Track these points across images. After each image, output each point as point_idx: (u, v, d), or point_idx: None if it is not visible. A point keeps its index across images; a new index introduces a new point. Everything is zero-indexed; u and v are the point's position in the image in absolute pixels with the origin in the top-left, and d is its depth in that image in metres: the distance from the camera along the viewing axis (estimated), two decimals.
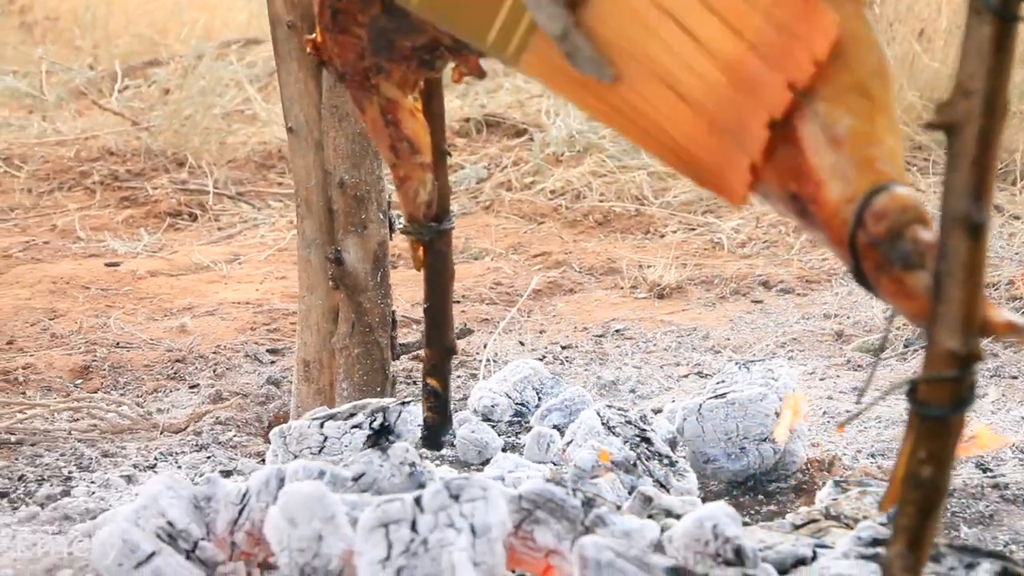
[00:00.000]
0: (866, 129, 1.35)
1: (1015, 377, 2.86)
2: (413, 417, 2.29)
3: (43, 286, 3.80)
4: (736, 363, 2.48)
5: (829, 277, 3.79)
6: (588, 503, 1.70)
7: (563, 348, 3.26)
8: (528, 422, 2.63)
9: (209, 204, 4.88)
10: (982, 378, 2.82)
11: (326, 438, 2.28)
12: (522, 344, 3.31)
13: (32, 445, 2.56)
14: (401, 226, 2.24)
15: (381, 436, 2.30)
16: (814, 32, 1.36)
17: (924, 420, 1.28)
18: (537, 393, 2.71)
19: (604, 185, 4.74)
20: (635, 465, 2.17)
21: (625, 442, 2.21)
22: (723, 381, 2.42)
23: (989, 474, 2.30)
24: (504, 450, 2.48)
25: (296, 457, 2.26)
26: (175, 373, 3.07)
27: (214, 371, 3.07)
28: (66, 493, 2.30)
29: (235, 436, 2.62)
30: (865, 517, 1.86)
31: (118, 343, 3.28)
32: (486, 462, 2.40)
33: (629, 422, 2.27)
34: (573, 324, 3.48)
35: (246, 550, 1.82)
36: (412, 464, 2.02)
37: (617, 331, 3.38)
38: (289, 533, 1.68)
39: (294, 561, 1.68)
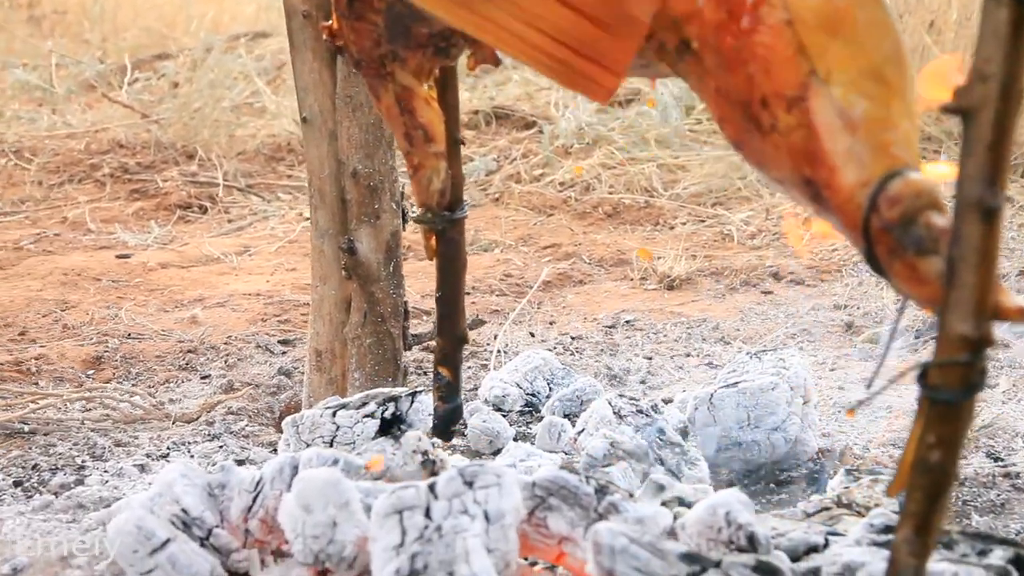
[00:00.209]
0: (881, 114, 1.35)
1: None
2: (424, 406, 2.29)
3: (54, 278, 3.82)
4: (747, 352, 2.49)
5: (839, 268, 3.79)
6: (601, 490, 1.70)
7: (573, 339, 3.26)
8: (539, 412, 2.64)
9: (219, 196, 4.89)
10: (993, 368, 2.83)
11: (338, 427, 2.29)
12: (532, 335, 3.31)
13: (45, 435, 2.57)
14: (414, 215, 2.23)
15: (393, 425, 2.31)
16: None
17: (934, 404, 1.27)
18: (548, 383, 2.71)
19: (613, 177, 4.74)
20: (646, 453, 2.17)
21: (636, 431, 2.22)
22: (734, 370, 2.42)
23: (1000, 463, 2.31)
24: (515, 440, 2.49)
25: (308, 446, 2.26)
26: (187, 364, 3.08)
27: (225, 362, 3.08)
28: (80, 482, 2.31)
29: (247, 426, 2.63)
30: (877, 505, 1.87)
31: (129, 334, 3.28)
32: (498, 451, 2.41)
33: (640, 411, 2.27)
34: (583, 315, 3.48)
35: (260, 537, 1.83)
36: (424, 452, 2.03)
37: (627, 322, 3.39)
38: (304, 520, 1.69)
39: (308, 548, 1.69)
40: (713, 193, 4.60)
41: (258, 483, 1.85)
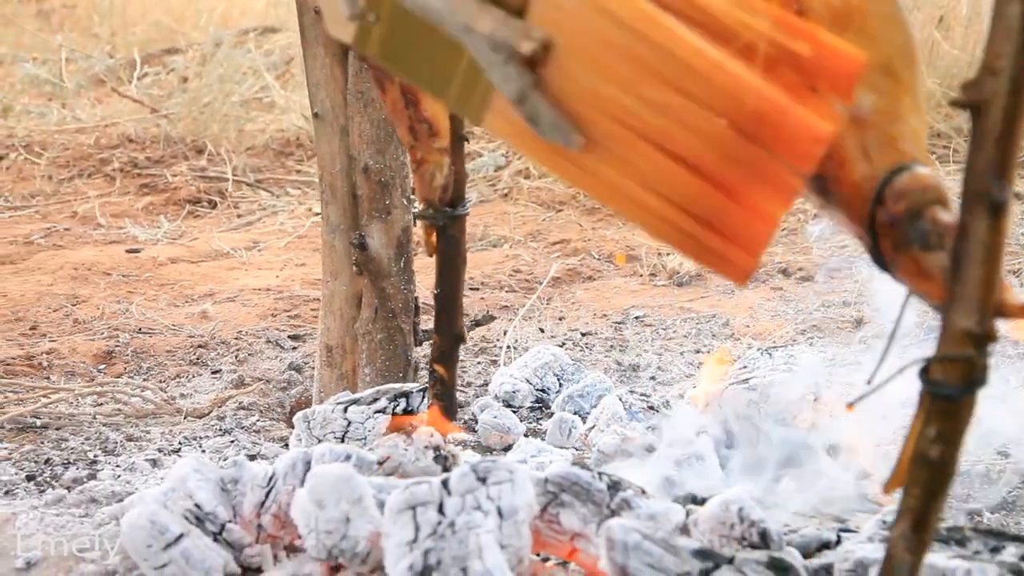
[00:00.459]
0: (890, 108, 1.35)
1: None
2: None
3: (65, 272, 3.82)
4: (758, 349, 2.49)
5: (849, 265, 3.78)
6: (614, 487, 1.71)
7: (583, 335, 3.26)
8: (549, 408, 2.65)
9: (228, 191, 4.90)
10: (1005, 363, 2.82)
11: (350, 423, 2.29)
12: (542, 331, 3.31)
13: (57, 429, 2.58)
14: (416, 210, 2.24)
15: None
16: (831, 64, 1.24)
17: (936, 399, 1.28)
18: (558, 379, 2.72)
19: None
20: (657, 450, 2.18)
21: (647, 427, 2.22)
22: (745, 367, 2.42)
23: (1011, 460, 2.30)
24: (526, 435, 2.49)
25: (320, 441, 2.27)
26: (197, 359, 3.09)
27: (236, 357, 3.09)
28: (92, 476, 2.32)
29: (258, 421, 2.64)
30: (889, 501, 1.87)
31: (140, 329, 3.29)
32: (508, 447, 2.42)
33: (651, 407, 2.28)
34: (592, 311, 3.48)
35: (272, 533, 1.84)
36: (437, 448, 2.04)
37: (637, 318, 3.39)
38: (317, 515, 1.69)
39: (321, 543, 1.69)
40: None
41: (271, 478, 1.85)
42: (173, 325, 3.33)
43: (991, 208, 1.22)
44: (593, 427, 2.32)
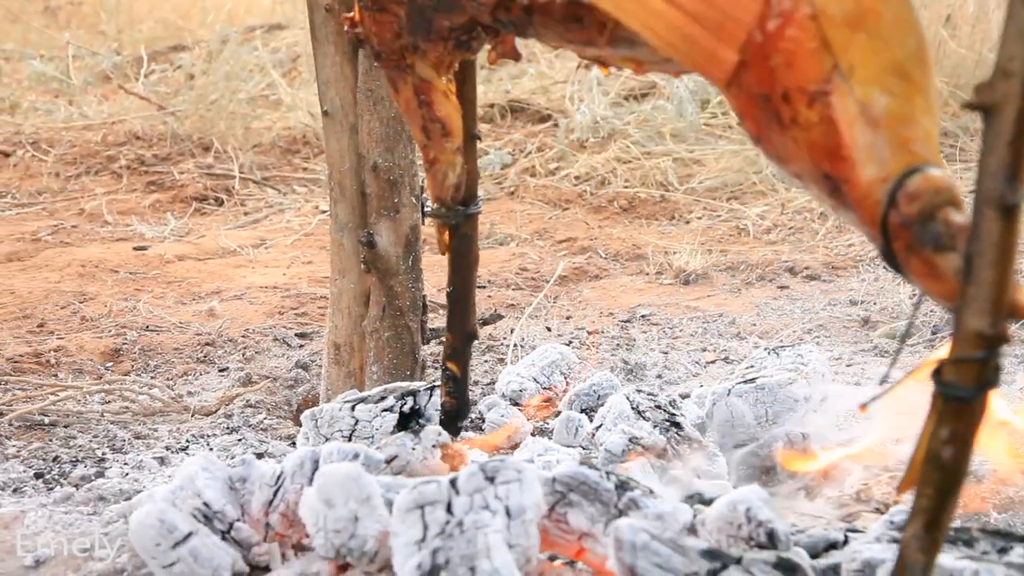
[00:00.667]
0: (903, 110, 1.35)
1: None
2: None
3: (72, 269, 3.83)
4: (765, 348, 2.49)
5: (855, 263, 3.78)
6: (621, 486, 1.71)
7: (589, 333, 3.27)
8: (556, 406, 2.65)
9: (235, 189, 4.90)
10: (1010, 364, 2.82)
11: (357, 421, 2.30)
12: (549, 329, 3.32)
13: (66, 427, 2.59)
14: (429, 209, 2.24)
15: (411, 419, 2.32)
16: None
17: (948, 401, 1.28)
18: (565, 378, 2.72)
19: (629, 171, 4.74)
20: (664, 449, 2.18)
21: (655, 426, 2.22)
22: (752, 366, 2.42)
23: (1019, 459, 2.30)
24: (533, 434, 2.49)
25: (327, 440, 2.27)
26: (205, 356, 3.09)
27: (243, 355, 3.09)
28: (100, 474, 2.32)
29: (265, 419, 2.64)
30: (896, 502, 1.87)
31: (148, 326, 3.30)
32: (515, 446, 2.42)
33: (659, 407, 2.28)
34: (599, 310, 3.49)
35: (281, 531, 1.84)
36: (445, 447, 2.04)
37: (643, 317, 3.39)
38: (325, 514, 1.70)
39: (330, 542, 1.70)
40: (728, 187, 4.60)
41: (279, 477, 1.86)
42: (180, 323, 3.34)
43: (1003, 210, 1.22)
44: (600, 426, 2.32)
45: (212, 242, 4.25)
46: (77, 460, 2.41)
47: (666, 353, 3.09)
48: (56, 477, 2.32)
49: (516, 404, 2.67)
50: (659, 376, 2.94)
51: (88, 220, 4.53)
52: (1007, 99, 1.21)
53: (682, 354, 3.09)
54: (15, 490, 2.26)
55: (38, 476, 2.32)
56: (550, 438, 2.42)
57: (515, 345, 3.13)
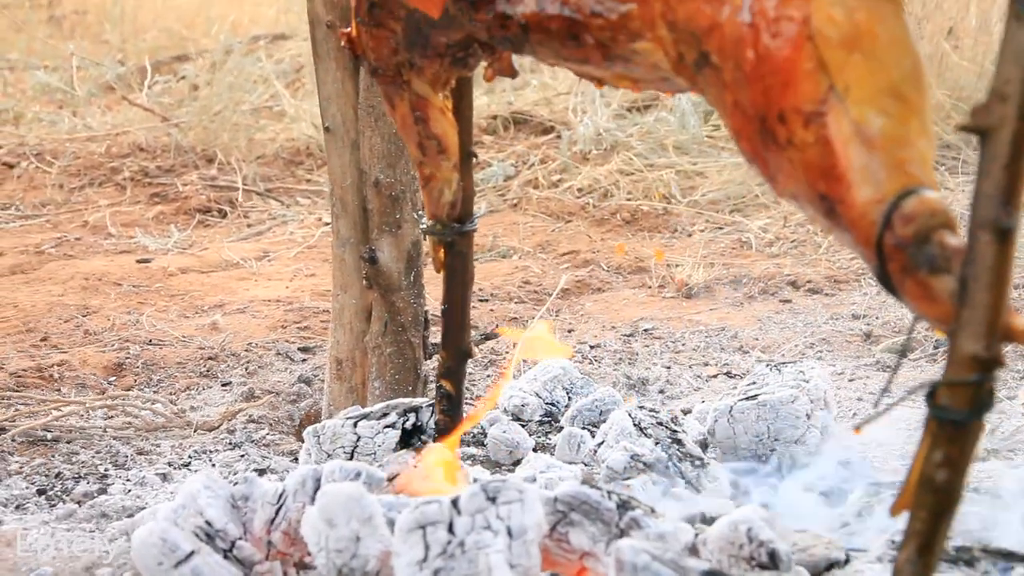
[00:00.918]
0: (899, 132, 1.35)
1: None
2: None
3: (75, 282, 3.84)
4: (767, 364, 2.49)
5: (857, 277, 3.79)
6: (623, 505, 1.71)
7: (592, 347, 3.27)
8: (558, 422, 2.65)
9: (238, 201, 4.91)
10: (1013, 379, 2.82)
11: (359, 437, 2.30)
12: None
13: (68, 442, 2.59)
14: (424, 226, 2.24)
15: (413, 436, 2.32)
16: None
17: (942, 424, 1.28)
18: (567, 393, 2.72)
19: (631, 184, 4.74)
20: (666, 466, 2.18)
21: (657, 443, 2.22)
22: (754, 383, 2.43)
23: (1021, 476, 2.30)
24: (535, 450, 2.50)
25: (330, 456, 2.28)
26: (207, 371, 3.10)
27: (246, 369, 3.10)
28: (103, 491, 2.33)
29: (268, 434, 2.64)
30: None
31: (151, 340, 3.30)
32: (517, 462, 2.42)
33: (660, 423, 2.28)
34: (601, 323, 3.49)
35: (282, 550, 1.84)
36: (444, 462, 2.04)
37: (646, 331, 3.39)
38: (327, 534, 1.70)
39: (332, 561, 1.70)
40: (731, 200, 4.60)
41: (281, 495, 1.86)
42: (183, 337, 3.34)
43: (999, 234, 1.23)
44: (602, 442, 2.32)
45: (215, 254, 4.26)
46: (80, 476, 2.41)
47: (668, 367, 3.10)
48: (59, 494, 2.33)
49: (518, 419, 2.67)
50: (661, 391, 2.94)
51: (92, 232, 4.53)
52: (1003, 122, 1.22)
53: (684, 368, 3.09)
54: (17, 507, 2.26)
55: (40, 492, 2.32)
56: (552, 454, 2.42)
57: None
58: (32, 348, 3.23)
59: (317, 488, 1.83)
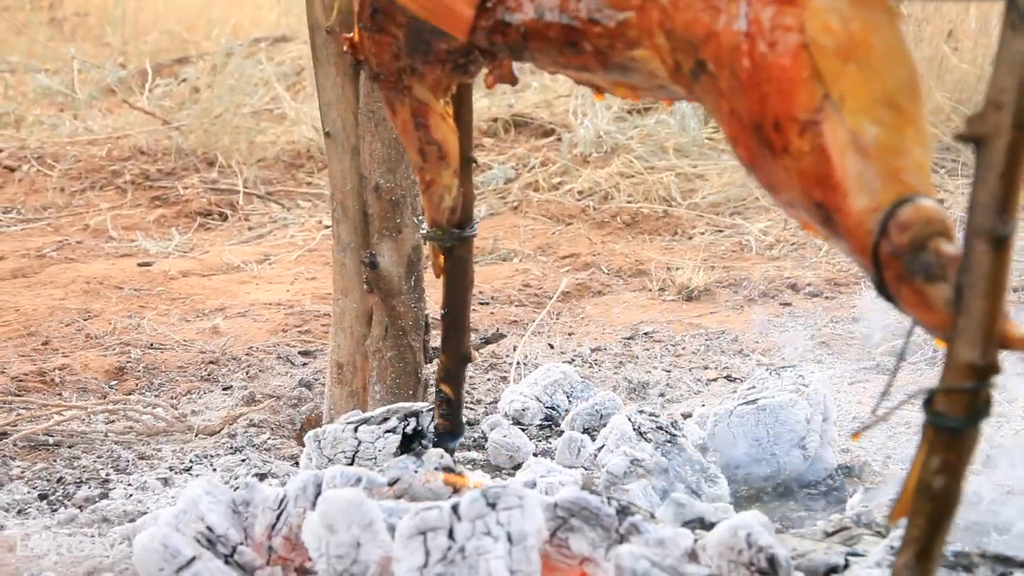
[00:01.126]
0: (894, 141, 1.36)
1: None
2: None
3: (77, 286, 3.84)
4: (767, 369, 2.50)
5: (857, 280, 3.79)
6: (623, 511, 1.72)
7: (592, 351, 3.27)
8: (559, 426, 2.66)
9: (239, 204, 4.91)
10: (1012, 383, 2.82)
11: (360, 442, 2.31)
12: (551, 347, 3.33)
13: (70, 447, 2.60)
14: (424, 231, 2.25)
15: (414, 440, 2.33)
16: None
17: (939, 431, 1.29)
18: (568, 397, 2.73)
19: (632, 186, 4.75)
20: (666, 471, 2.19)
21: (656, 448, 2.23)
22: (754, 387, 2.43)
23: (1020, 480, 2.31)
24: (535, 454, 2.50)
25: (331, 461, 2.28)
26: (208, 375, 3.10)
27: (247, 373, 3.10)
28: (104, 495, 2.33)
29: (269, 439, 2.65)
30: (897, 526, 1.87)
31: (152, 344, 3.31)
32: (518, 466, 2.43)
33: (660, 428, 2.28)
34: (602, 326, 3.49)
35: (283, 555, 1.85)
36: (447, 469, 2.05)
37: (646, 334, 3.40)
38: (328, 540, 1.70)
39: (332, 567, 1.70)
40: (731, 202, 4.60)
41: (282, 500, 1.86)
42: (184, 340, 3.35)
43: (994, 241, 1.23)
44: (602, 447, 2.33)
45: (216, 258, 4.26)
46: (81, 481, 2.42)
47: (669, 371, 3.10)
48: (60, 498, 2.33)
49: (519, 423, 2.68)
50: (662, 395, 2.95)
51: (93, 236, 4.54)
52: (998, 131, 1.22)
53: (684, 372, 3.10)
54: (19, 511, 2.27)
55: (42, 497, 2.33)
56: (552, 458, 2.42)
57: (518, 363, 3.14)
58: (33, 352, 3.24)
59: (318, 493, 1.84)
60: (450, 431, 2.32)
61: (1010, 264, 1.24)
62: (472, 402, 2.91)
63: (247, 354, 3.22)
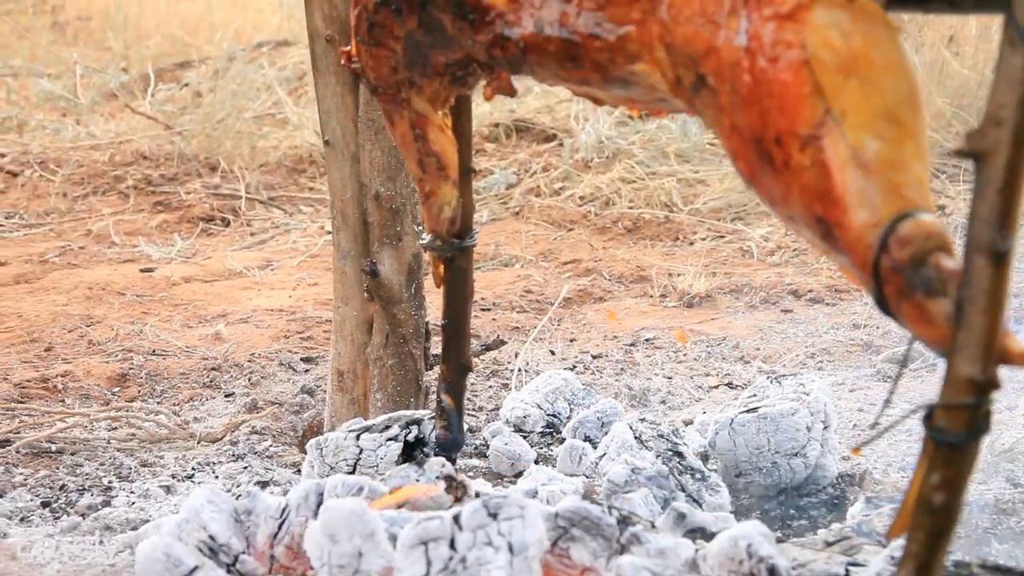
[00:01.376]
0: (895, 155, 1.36)
1: None
2: None
3: (79, 292, 3.85)
4: (768, 377, 2.50)
5: (858, 287, 3.79)
6: (623, 521, 1.72)
7: (594, 357, 3.28)
8: (560, 433, 2.66)
9: (241, 209, 4.92)
10: (1012, 390, 2.83)
11: (362, 450, 2.31)
12: (553, 353, 3.33)
13: (72, 454, 2.61)
14: (424, 241, 2.25)
15: (415, 448, 2.33)
16: None
17: (939, 446, 1.29)
18: (569, 404, 2.73)
19: (633, 192, 4.76)
20: (667, 478, 2.19)
21: (657, 456, 2.23)
22: (755, 395, 2.44)
23: (1021, 489, 2.31)
24: (537, 462, 2.51)
25: (332, 469, 2.29)
26: (211, 381, 3.11)
27: (249, 379, 3.11)
28: (106, 503, 2.34)
29: (271, 446, 2.66)
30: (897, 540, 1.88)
31: (154, 350, 3.32)
32: (519, 474, 2.43)
33: (661, 436, 2.29)
34: (603, 333, 3.50)
35: (285, 564, 1.85)
36: (449, 477, 2.05)
37: (647, 340, 3.40)
38: (329, 549, 1.71)
39: None
40: (733, 208, 4.61)
41: (284, 509, 1.87)
42: (187, 347, 3.36)
43: (994, 257, 1.24)
44: (604, 455, 2.33)
45: (219, 263, 4.27)
46: (84, 488, 2.42)
47: (670, 378, 3.11)
48: (63, 506, 2.34)
49: (520, 430, 2.68)
50: (663, 402, 2.96)
51: (95, 241, 4.55)
52: (997, 146, 1.23)
53: (686, 379, 3.10)
54: (22, 519, 2.27)
55: (45, 505, 2.34)
56: (554, 466, 2.43)
57: (519, 370, 3.15)
58: (36, 358, 3.25)
59: (320, 502, 1.85)
60: (451, 440, 2.32)
61: (1010, 279, 1.25)
62: (473, 409, 2.91)
63: (249, 360, 3.23)
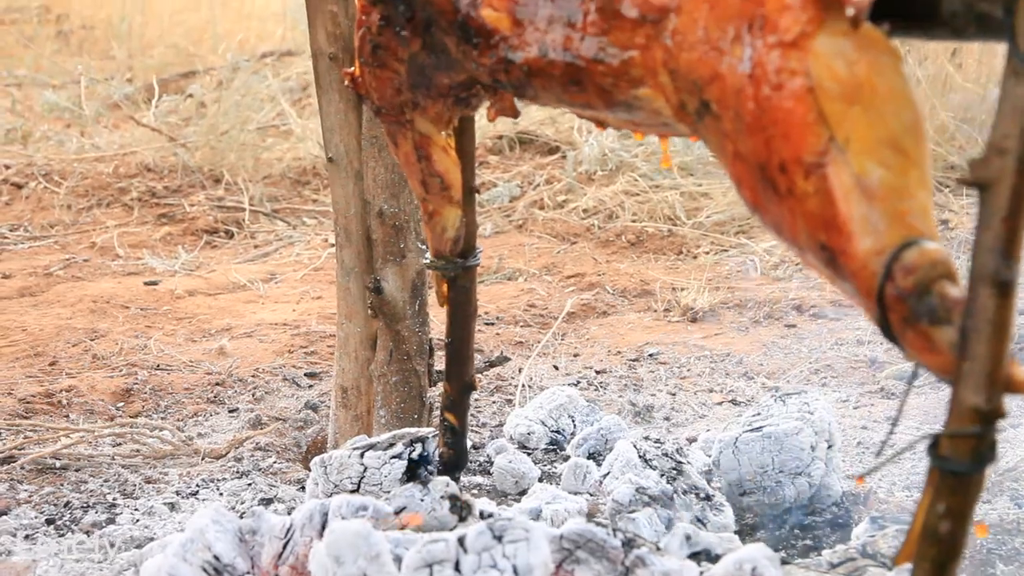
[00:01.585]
0: (899, 183, 1.37)
1: None
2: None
3: (83, 305, 3.86)
4: (772, 395, 2.50)
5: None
6: (628, 543, 1.72)
7: (597, 373, 3.28)
8: (564, 450, 2.66)
9: (245, 221, 4.93)
10: (1018, 409, 2.83)
11: (366, 468, 2.31)
12: (556, 368, 3.33)
13: (76, 471, 2.61)
14: (427, 261, 2.26)
15: (420, 466, 2.33)
16: None
17: (944, 475, 1.29)
18: (573, 421, 2.73)
19: (636, 205, 4.76)
20: (671, 497, 2.19)
21: (662, 475, 2.23)
22: (759, 414, 2.44)
23: None
24: (540, 479, 2.51)
25: (336, 487, 2.29)
26: (215, 397, 3.11)
27: (253, 395, 3.11)
28: (111, 520, 2.34)
29: (275, 463, 2.66)
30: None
31: (158, 365, 3.32)
32: (523, 492, 2.44)
33: (665, 454, 2.29)
34: (607, 348, 3.50)
35: None
36: (453, 497, 2.05)
37: (651, 356, 3.41)
38: (334, 571, 1.71)
39: None
40: (736, 221, 4.61)
41: (288, 529, 1.87)
42: (191, 361, 3.36)
43: (999, 286, 1.24)
44: (608, 473, 2.33)
45: (223, 276, 4.28)
46: (88, 505, 2.42)
47: (674, 394, 3.11)
48: (67, 523, 2.34)
49: (524, 448, 2.69)
50: (667, 418, 2.96)
51: (100, 254, 4.55)
52: (1002, 176, 1.23)
53: (690, 395, 3.11)
54: (27, 536, 2.28)
55: (49, 522, 2.34)
56: (558, 484, 2.43)
57: (523, 385, 3.15)
58: (41, 373, 3.25)
59: (324, 522, 1.85)
60: (455, 459, 2.33)
61: (1015, 308, 1.25)
62: (477, 425, 2.92)
63: (253, 375, 3.23)
